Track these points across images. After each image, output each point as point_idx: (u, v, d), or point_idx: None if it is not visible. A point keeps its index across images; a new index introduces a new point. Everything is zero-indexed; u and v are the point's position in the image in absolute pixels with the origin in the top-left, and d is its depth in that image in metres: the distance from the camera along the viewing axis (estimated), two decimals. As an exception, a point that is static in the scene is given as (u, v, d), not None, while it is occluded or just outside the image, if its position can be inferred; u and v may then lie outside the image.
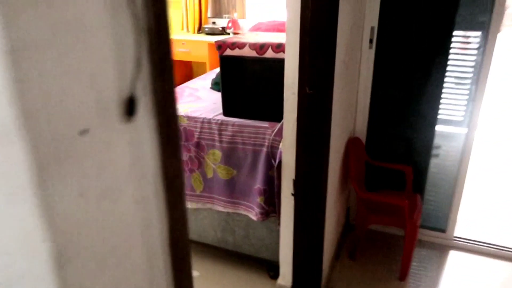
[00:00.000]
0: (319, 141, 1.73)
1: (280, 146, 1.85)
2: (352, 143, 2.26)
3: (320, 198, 1.84)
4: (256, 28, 3.11)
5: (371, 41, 2.19)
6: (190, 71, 5.25)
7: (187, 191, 2.20)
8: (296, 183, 1.79)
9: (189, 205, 2.22)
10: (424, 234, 2.53)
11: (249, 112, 1.96)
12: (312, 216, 1.86)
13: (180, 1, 4.82)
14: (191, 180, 2.16)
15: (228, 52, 1.89)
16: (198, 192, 2.18)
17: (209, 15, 4.95)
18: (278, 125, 1.87)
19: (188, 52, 4.54)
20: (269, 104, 1.90)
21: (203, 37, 4.63)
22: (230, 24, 4.72)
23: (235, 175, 2.05)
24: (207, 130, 2.02)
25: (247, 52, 1.85)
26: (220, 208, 2.15)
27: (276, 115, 1.86)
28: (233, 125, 1.96)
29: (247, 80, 1.91)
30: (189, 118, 2.05)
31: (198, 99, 2.31)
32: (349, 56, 1.95)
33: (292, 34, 1.57)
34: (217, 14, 4.92)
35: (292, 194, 1.80)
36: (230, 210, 2.13)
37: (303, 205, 1.82)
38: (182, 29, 4.96)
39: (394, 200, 2.09)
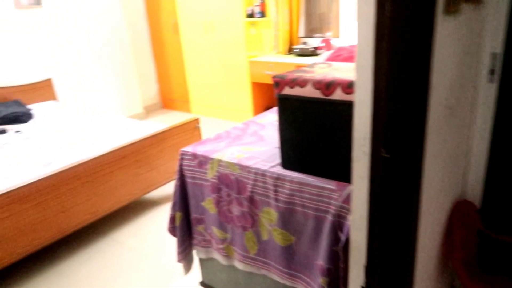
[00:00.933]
0: (402, 217, 1.22)
1: (349, 218, 1.38)
2: (458, 209, 1.65)
3: (404, 294, 1.31)
4: (336, 56, 2.64)
5: (492, 72, 1.57)
6: (278, 95, 4.95)
7: (240, 251, 1.84)
8: (369, 272, 1.30)
9: (242, 267, 1.87)
10: None
11: (312, 166, 1.53)
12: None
13: (271, 21, 4.56)
14: (244, 239, 1.80)
15: (287, 91, 1.49)
16: (251, 254, 1.80)
17: (300, 34, 4.60)
18: (348, 188, 1.40)
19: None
20: (337, 159, 1.45)
21: (292, 59, 4.29)
22: (322, 44, 4.30)
23: (294, 243, 1.62)
24: (261, 184, 1.65)
25: (309, 91, 1.43)
26: (277, 278, 1.75)
27: (346, 174, 1.39)
28: (291, 181, 1.55)
29: (310, 127, 1.49)
30: (241, 167, 1.70)
31: (260, 140, 1.95)
32: (455, 96, 1.39)
33: (363, 71, 1.11)
34: (309, 33, 4.54)
35: None
36: (287, 283, 1.71)
37: (377, 303, 1.32)
38: (272, 50, 4.69)
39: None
